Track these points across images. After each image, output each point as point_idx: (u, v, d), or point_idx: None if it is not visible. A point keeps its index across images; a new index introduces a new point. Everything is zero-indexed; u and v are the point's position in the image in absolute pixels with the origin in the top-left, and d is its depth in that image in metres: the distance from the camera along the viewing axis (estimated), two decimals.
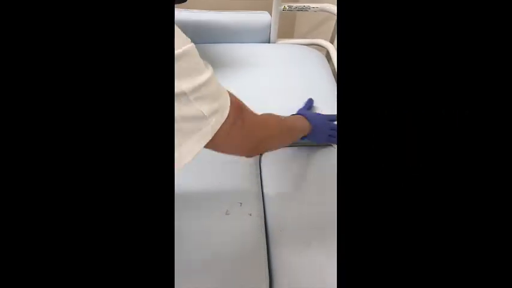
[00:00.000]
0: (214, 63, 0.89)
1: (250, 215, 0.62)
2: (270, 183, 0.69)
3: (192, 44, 0.33)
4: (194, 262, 0.55)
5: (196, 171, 0.66)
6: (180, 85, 0.31)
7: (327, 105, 0.80)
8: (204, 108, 0.34)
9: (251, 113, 0.46)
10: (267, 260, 0.58)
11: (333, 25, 1.07)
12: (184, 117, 0.33)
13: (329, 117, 0.70)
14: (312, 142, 0.71)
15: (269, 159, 0.72)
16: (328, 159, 0.72)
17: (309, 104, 0.77)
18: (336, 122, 0.71)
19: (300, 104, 0.78)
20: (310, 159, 0.72)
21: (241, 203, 0.63)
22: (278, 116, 0.56)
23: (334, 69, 0.96)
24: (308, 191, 0.66)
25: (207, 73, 0.35)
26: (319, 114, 0.72)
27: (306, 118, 0.64)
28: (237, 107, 0.41)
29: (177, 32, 0.31)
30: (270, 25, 0.98)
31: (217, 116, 0.36)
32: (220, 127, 0.37)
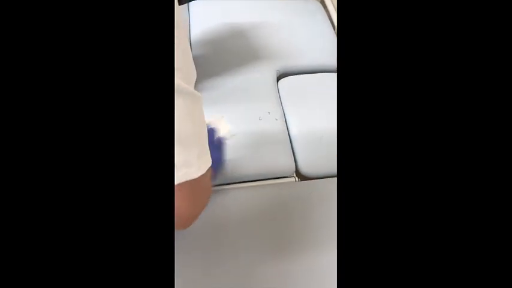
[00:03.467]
0: (216, 18, 1.07)
1: (276, 119, 0.85)
2: (287, 99, 0.91)
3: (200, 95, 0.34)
4: (238, 155, 0.78)
5: (231, 93, 0.89)
6: None
7: (325, 49, 1.02)
8: (178, 155, 0.31)
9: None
10: (291, 149, 0.82)
11: None
12: None
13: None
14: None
15: (285, 82, 0.95)
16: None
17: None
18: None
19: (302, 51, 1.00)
20: (321, 86, 0.95)
21: (269, 112, 0.85)
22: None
23: (330, 15, 1.17)
24: (318, 106, 0.89)
25: (199, 122, 0.34)
26: None
27: None
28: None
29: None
30: None
31: (189, 170, 0.34)
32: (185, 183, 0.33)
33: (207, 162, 0.38)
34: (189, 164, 0.34)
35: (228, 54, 0.98)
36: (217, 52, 0.99)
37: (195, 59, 1.01)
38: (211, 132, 0.70)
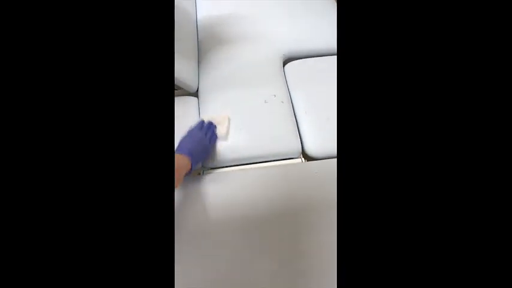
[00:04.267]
0: (223, 3, 1.09)
1: (282, 102, 0.86)
2: (294, 83, 0.92)
3: None
4: (244, 137, 0.79)
5: (238, 77, 0.90)
6: None
7: (332, 32, 1.02)
8: None
9: None
10: (297, 131, 0.83)
11: None
12: None
13: (198, 128, 0.73)
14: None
15: (292, 66, 0.96)
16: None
17: (199, 125, 0.76)
18: (205, 123, 0.75)
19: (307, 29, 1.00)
20: (326, 69, 0.95)
21: (275, 95, 0.86)
22: None
23: None
24: (324, 88, 0.89)
25: None
26: (190, 134, 0.72)
27: (182, 154, 0.66)
28: None
29: None
30: None
31: None
32: None
33: None
34: None
35: (235, 39, 0.99)
36: (225, 36, 1.00)
37: (202, 41, 1.01)
38: (210, 126, 0.76)
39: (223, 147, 0.78)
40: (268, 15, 1.06)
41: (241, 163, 0.79)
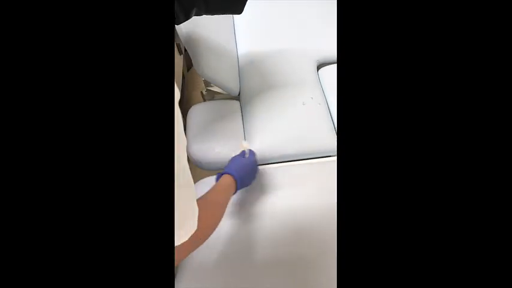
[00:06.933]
0: (260, 19, 1.17)
1: (319, 104, 0.92)
2: (328, 86, 0.98)
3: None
4: (284, 136, 0.86)
5: (276, 82, 0.97)
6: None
7: None
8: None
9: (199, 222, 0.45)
10: (334, 130, 0.89)
11: None
12: None
13: (241, 155, 0.75)
14: None
15: (325, 70, 1.02)
16: None
17: (242, 153, 0.78)
18: (249, 156, 0.76)
19: None
20: None
21: (312, 97, 0.93)
22: (211, 202, 0.57)
23: None
24: None
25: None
26: (234, 160, 0.73)
27: (230, 174, 0.67)
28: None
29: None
30: None
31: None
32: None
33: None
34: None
35: (271, 46, 1.06)
36: (263, 48, 1.07)
37: (239, 45, 1.06)
38: (251, 152, 0.79)
39: (265, 146, 0.84)
40: (304, 23, 1.12)
41: (282, 160, 0.86)
